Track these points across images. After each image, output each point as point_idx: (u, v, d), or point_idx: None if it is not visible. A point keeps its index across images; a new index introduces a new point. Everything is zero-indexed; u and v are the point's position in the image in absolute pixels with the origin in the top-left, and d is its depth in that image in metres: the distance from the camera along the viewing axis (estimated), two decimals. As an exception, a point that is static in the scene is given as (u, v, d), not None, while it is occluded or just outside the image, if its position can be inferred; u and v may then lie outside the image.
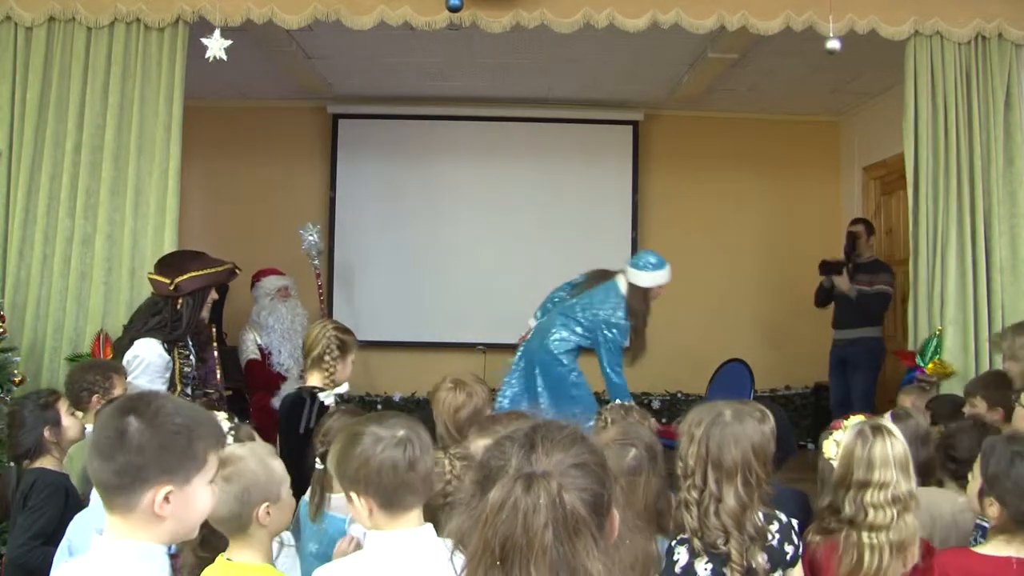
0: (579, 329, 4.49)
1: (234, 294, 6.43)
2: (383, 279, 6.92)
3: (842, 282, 5.41)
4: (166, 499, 1.44)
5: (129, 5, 4.06)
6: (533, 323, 4.78)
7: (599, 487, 1.16)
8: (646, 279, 4.47)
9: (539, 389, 4.50)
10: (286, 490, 2.07)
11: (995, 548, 2.05)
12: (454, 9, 3.82)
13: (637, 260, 4.57)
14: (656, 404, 6.49)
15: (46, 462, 2.83)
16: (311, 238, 6.13)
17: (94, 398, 3.05)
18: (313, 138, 7.02)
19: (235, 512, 1.92)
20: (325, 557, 2.39)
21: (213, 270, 3.60)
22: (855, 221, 5.74)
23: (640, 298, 4.48)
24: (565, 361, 4.50)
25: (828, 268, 5.57)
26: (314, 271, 6.23)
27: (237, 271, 3.72)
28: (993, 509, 2.06)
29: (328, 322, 3.34)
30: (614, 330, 4.43)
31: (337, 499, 2.57)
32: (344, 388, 3.20)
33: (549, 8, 4.10)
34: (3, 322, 3.74)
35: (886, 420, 2.31)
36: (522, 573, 1.08)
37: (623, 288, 4.50)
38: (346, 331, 3.30)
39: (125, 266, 4.05)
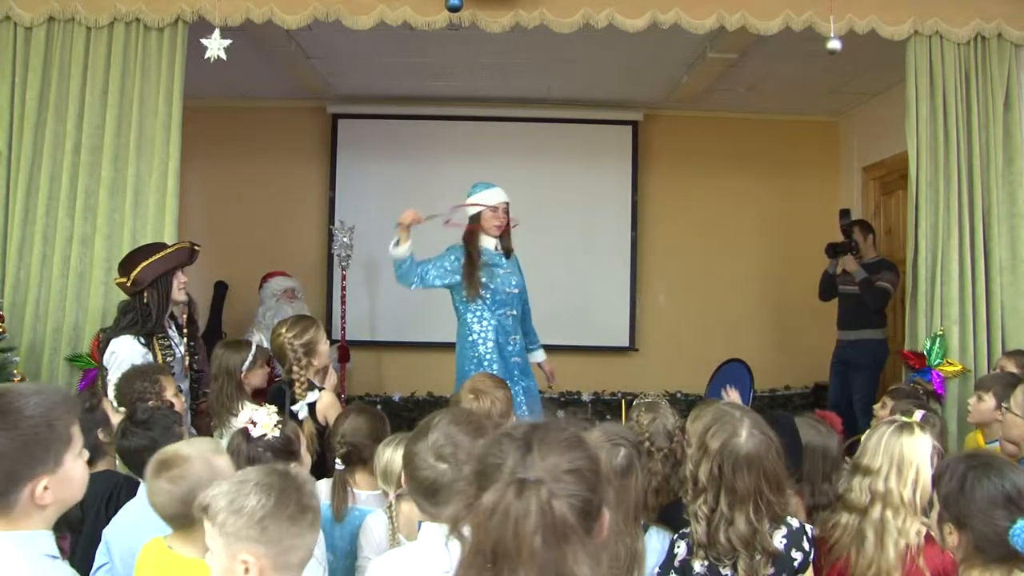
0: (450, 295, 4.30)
1: (237, 295, 6.45)
2: (382, 279, 6.92)
3: (849, 262, 5.39)
4: (45, 488, 1.47)
5: (128, 5, 4.06)
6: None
7: (590, 493, 1.18)
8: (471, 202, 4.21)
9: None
10: None
11: None
12: (454, 9, 3.82)
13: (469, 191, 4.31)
14: (655, 404, 6.49)
15: (104, 464, 2.80)
16: (344, 239, 6.12)
17: (149, 404, 3.04)
18: (313, 138, 7.02)
19: (180, 512, 1.94)
20: (350, 554, 2.42)
21: (164, 253, 3.60)
22: (844, 213, 5.70)
23: (471, 226, 4.21)
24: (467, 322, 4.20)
25: (835, 250, 5.52)
26: (341, 271, 6.25)
27: (196, 248, 3.70)
28: (952, 538, 1.85)
29: (284, 328, 3.31)
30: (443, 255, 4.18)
31: (365, 495, 2.60)
32: (314, 396, 3.20)
33: (548, 8, 4.10)
34: (2, 322, 3.74)
35: (918, 420, 2.27)
36: None
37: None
38: (304, 331, 3.29)
39: (124, 266, 4.05)
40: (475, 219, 4.22)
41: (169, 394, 3.05)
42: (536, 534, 1.11)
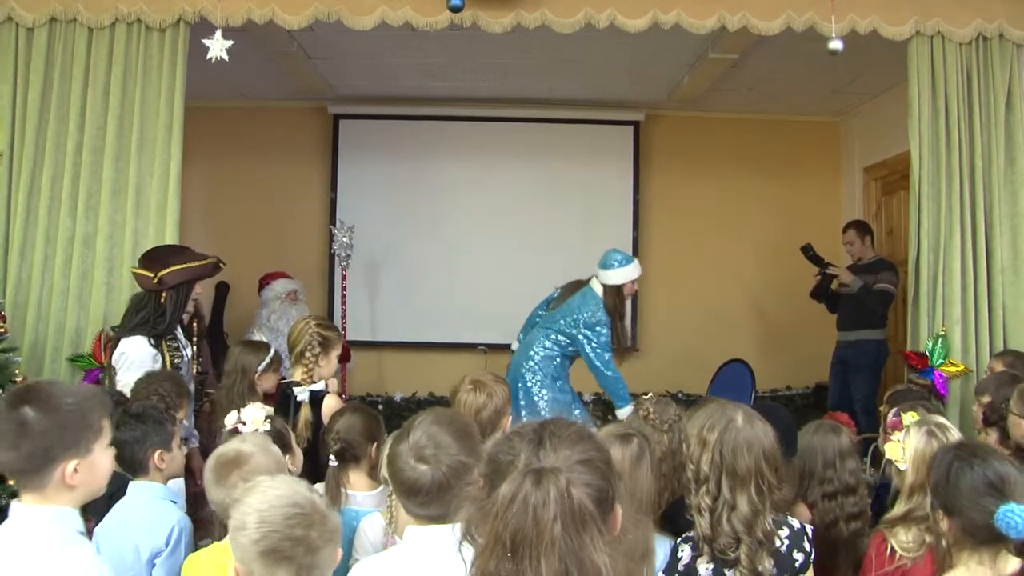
0: (562, 338, 4.56)
1: (237, 296, 6.45)
2: (384, 279, 6.93)
3: (844, 275, 5.39)
4: (75, 470, 1.68)
5: (130, 6, 4.07)
6: (516, 345, 4.83)
7: (604, 483, 1.21)
8: (616, 276, 4.59)
9: (521, 405, 4.44)
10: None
11: (974, 572, 1.85)
12: (455, 9, 3.82)
13: (605, 260, 4.65)
14: (657, 404, 6.49)
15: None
16: (344, 239, 6.14)
17: (153, 401, 3.03)
18: (314, 138, 7.02)
19: None
20: (344, 555, 2.43)
21: (197, 263, 3.60)
22: (845, 228, 5.68)
23: (614, 295, 4.59)
24: (540, 379, 4.54)
25: (810, 254, 5.57)
26: (341, 271, 6.26)
27: (221, 265, 3.72)
28: (944, 523, 1.93)
29: (312, 318, 3.35)
30: (596, 328, 4.50)
31: (360, 496, 2.59)
32: (320, 386, 3.20)
33: (550, 8, 4.10)
34: (4, 322, 3.74)
35: (941, 418, 2.29)
36: (532, 564, 1.12)
37: (598, 290, 4.60)
38: (329, 327, 3.32)
39: (126, 266, 4.05)
40: (615, 288, 4.60)
41: (180, 415, 3.03)
42: (556, 521, 1.13)
